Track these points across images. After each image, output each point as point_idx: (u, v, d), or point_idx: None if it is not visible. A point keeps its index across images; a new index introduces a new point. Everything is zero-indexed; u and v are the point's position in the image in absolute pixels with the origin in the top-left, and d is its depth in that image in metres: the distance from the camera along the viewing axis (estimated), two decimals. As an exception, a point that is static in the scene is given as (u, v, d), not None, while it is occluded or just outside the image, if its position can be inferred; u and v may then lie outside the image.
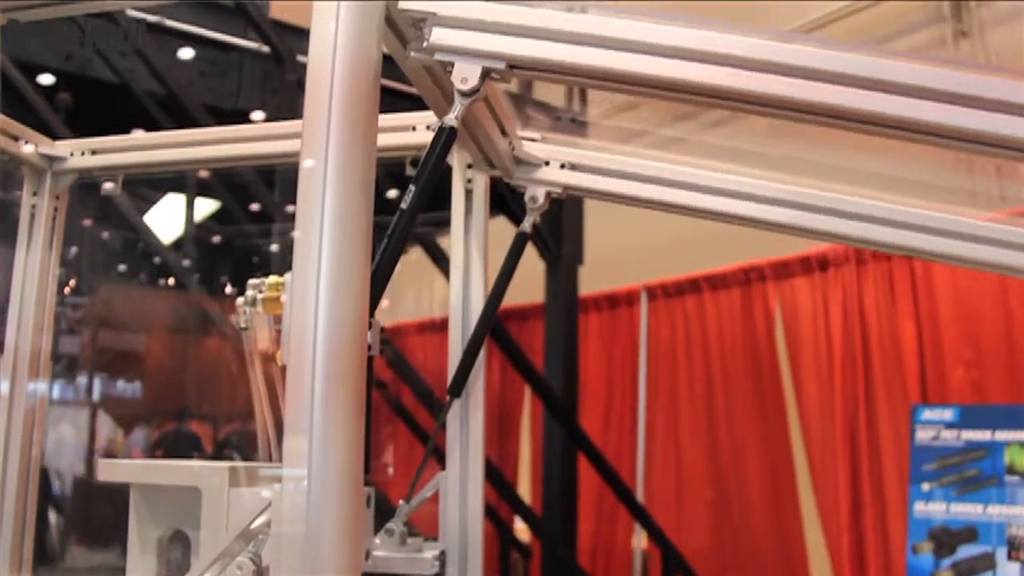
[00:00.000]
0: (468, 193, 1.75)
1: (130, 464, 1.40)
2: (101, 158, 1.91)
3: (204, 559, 1.13)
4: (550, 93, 3.95)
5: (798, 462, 4.15)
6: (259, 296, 1.48)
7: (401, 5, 1.09)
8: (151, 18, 4.61)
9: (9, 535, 1.74)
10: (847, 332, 3.92)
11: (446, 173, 1.73)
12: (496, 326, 3.88)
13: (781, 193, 1.51)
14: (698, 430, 4.64)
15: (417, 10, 1.10)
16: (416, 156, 1.67)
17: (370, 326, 0.94)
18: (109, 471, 1.34)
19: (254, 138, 1.87)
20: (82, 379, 6.66)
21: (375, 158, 0.96)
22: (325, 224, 0.91)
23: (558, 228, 4.70)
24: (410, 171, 1.62)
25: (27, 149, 1.85)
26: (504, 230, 1.76)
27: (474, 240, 1.73)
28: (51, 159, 1.89)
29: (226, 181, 5.34)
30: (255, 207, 5.69)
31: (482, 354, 1.66)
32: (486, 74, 1.10)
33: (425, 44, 1.10)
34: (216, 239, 6.87)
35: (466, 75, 1.10)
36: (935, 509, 3.06)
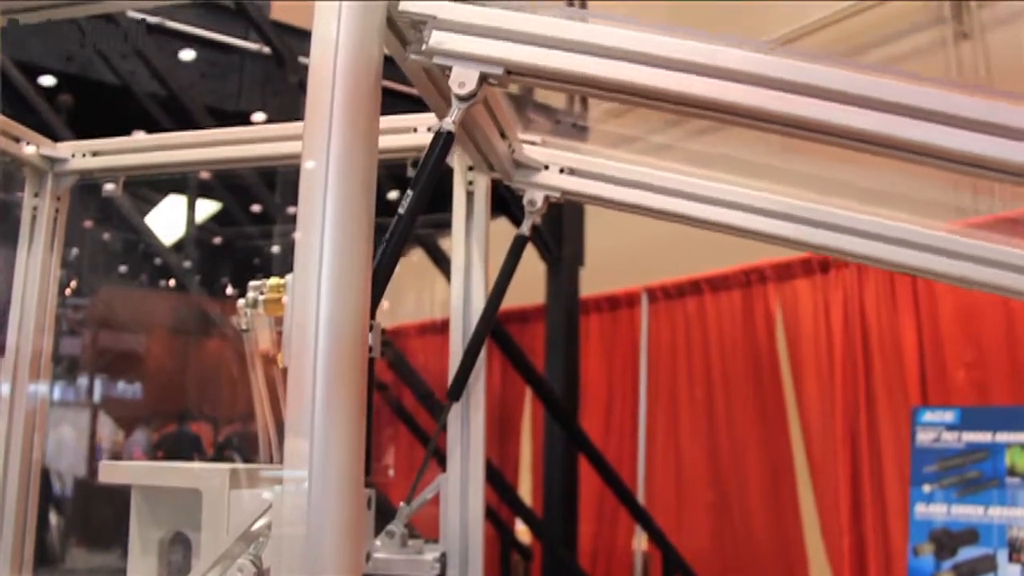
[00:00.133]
0: (469, 195, 1.75)
1: (131, 466, 1.40)
2: (102, 159, 1.91)
3: (205, 561, 1.13)
4: (551, 95, 3.95)
5: (799, 464, 4.14)
6: (260, 297, 1.48)
7: (401, 7, 1.09)
8: (152, 19, 4.61)
9: (10, 536, 1.74)
10: (848, 334, 3.91)
11: (447, 175, 1.73)
12: (497, 328, 3.88)
13: (782, 206, 1.50)
14: (699, 432, 4.63)
15: (417, 12, 1.09)
16: (417, 158, 1.67)
17: (371, 327, 0.94)
18: (110, 473, 1.34)
19: (255, 140, 1.87)
20: (83, 380, 6.66)
21: (376, 159, 0.96)
22: (326, 226, 0.91)
23: (559, 230, 4.70)
24: (411, 172, 1.62)
25: (28, 150, 1.85)
26: (505, 232, 1.76)
27: (475, 242, 1.73)
28: (52, 160, 1.89)
29: (227, 183, 5.34)
30: (256, 208, 5.69)
31: (483, 355, 1.66)
32: (484, 79, 1.10)
33: (424, 47, 1.10)
34: (217, 240, 6.87)
35: (464, 79, 1.10)
36: (936, 511, 3.05)
